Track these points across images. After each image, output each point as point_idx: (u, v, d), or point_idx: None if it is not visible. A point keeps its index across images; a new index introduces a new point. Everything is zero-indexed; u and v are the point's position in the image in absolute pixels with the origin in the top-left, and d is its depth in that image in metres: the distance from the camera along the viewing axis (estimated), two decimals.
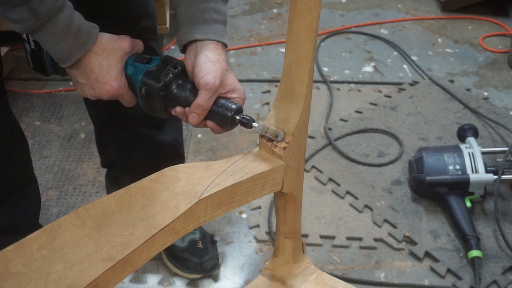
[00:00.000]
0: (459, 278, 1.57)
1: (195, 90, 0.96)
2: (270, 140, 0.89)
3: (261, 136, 0.91)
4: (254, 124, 0.92)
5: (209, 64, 0.96)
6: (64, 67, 0.99)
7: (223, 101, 0.95)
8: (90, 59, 0.96)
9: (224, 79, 0.97)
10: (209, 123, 0.97)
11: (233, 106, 0.94)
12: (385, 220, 1.72)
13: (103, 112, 1.42)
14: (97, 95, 1.00)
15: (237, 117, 0.94)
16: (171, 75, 0.97)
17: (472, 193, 1.71)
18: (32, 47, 1.04)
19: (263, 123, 0.90)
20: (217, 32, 0.99)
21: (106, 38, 0.98)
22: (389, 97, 2.20)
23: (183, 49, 1.02)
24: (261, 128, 0.90)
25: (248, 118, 0.94)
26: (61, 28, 0.92)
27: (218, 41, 0.99)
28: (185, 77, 0.99)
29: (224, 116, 0.94)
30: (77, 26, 0.93)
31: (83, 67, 0.97)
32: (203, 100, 0.95)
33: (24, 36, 1.03)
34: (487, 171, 1.71)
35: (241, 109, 0.96)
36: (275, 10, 2.74)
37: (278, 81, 0.95)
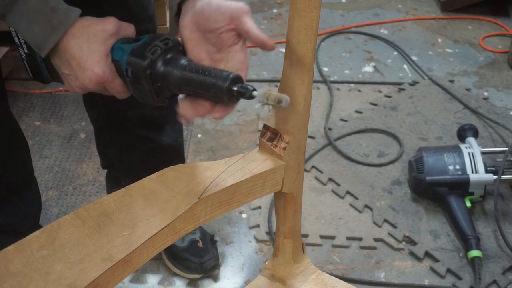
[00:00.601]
0: (459, 278, 1.57)
1: (191, 66, 0.83)
2: (270, 139, 0.89)
3: (261, 135, 0.90)
4: (254, 92, 0.79)
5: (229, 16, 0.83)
6: (45, 57, 0.89)
7: (217, 71, 0.81)
8: (68, 43, 0.87)
9: (246, 23, 0.84)
10: (201, 103, 0.83)
11: (230, 75, 0.79)
12: (385, 220, 1.72)
13: (103, 114, 1.41)
14: (82, 84, 0.89)
15: (235, 88, 0.79)
16: (159, 51, 0.85)
17: (472, 193, 1.71)
18: (26, 51, 0.97)
19: (264, 90, 0.78)
20: None
21: (87, 21, 0.88)
22: (389, 97, 2.20)
23: (178, 10, 0.89)
24: (262, 96, 0.78)
25: (248, 87, 0.79)
26: (32, 7, 0.84)
27: None
28: (177, 52, 0.86)
29: (219, 88, 0.79)
30: (50, 5, 0.85)
31: (63, 53, 0.88)
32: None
33: (17, 41, 0.97)
34: (487, 171, 1.71)
35: (240, 78, 0.81)
36: (275, 10, 2.74)
37: (278, 81, 0.93)
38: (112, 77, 0.87)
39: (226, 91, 0.79)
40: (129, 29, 0.91)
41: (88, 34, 0.87)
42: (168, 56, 0.85)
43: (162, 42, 0.85)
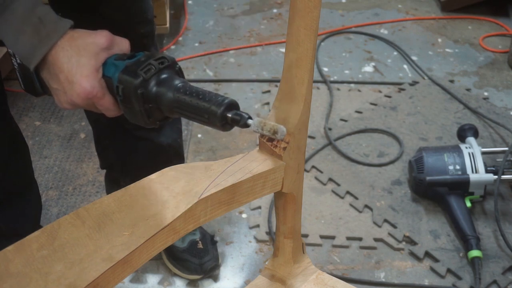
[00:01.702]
0: (459, 278, 1.57)
1: (185, 88, 0.80)
2: (270, 139, 0.89)
3: (261, 135, 0.90)
4: (249, 121, 0.77)
5: None
6: (33, 70, 0.85)
7: (211, 95, 0.78)
8: (57, 56, 0.82)
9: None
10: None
11: (225, 101, 0.77)
12: (385, 220, 1.72)
13: (102, 116, 1.41)
14: (70, 100, 0.84)
15: (229, 115, 0.77)
16: (153, 70, 0.81)
17: (472, 193, 1.71)
18: (18, 61, 0.92)
19: (259, 119, 0.77)
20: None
21: (78, 33, 0.83)
22: (389, 97, 2.20)
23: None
24: (257, 125, 0.76)
25: (242, 114, 0.77)
26: (19, 17, 0.80)
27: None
28: (173, 73, 0.83)
29: (212, 113, 0.77)
30: (39, 15, 0.81)
31: (51, 66, 0.83)
32: None
33: (10, 50, 0.92)
34: (487, 171, 1.71)
35: (235, 105, 0.78)
36: (275, 10, 2.74)
37: (278, 81, 0.93)
38: (102, 94, 0.83)
39: (220, 117, 0.77)
40: (123, 44, 0.87)
41: (78, 47, 0.82)
42: (163, 76, 0.81)
43: (157, 61, 0.81)
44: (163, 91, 0.80)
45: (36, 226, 1.43)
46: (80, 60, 0.82)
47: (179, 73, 0.84)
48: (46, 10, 0.82)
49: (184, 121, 2.05)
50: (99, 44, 0.83)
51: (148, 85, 0.80)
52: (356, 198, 1.79)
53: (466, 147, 1.76)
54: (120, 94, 0.82)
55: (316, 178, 1.86)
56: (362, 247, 1.66)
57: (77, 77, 0.81)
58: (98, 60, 0.83)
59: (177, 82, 0.81)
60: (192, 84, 0.82)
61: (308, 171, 1.88)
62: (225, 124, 0.78)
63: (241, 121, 0.77)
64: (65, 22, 0.83)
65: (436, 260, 1.62)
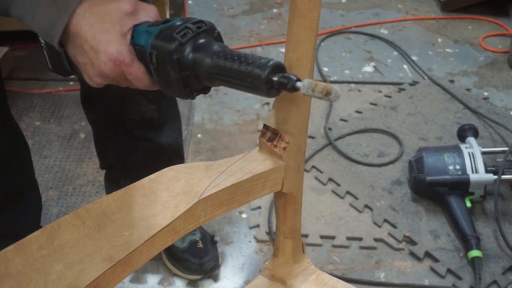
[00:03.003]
0: (459, 278, 1.57)
1: (225, 53, 0.73)
2: (270, 139, 0.89)
3: (262, 135, 0.90)
4: (298, 83, 0.69)
5: None
6: (57, 45, 0.79)
7: (254, 57, 0.72)
8: (79, 25, 0.76)
9: None
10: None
11: (270, 63, 0.70)
12: (385, 220, 1.72)
13: (101, 115, 1.41)
14: (98, 71, 0.78)
15: (275, 78, 0.70)
16: (190, 34, 0.74)
17: (472, 193, 1.71)
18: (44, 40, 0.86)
19: (310, 80, 0.68)
20: None
21: (99, 0, 0.77)
22: (389, 97, 2.20)
23: None
24: (307, 86, 0.67)
25: (290, 76, 0.70)
26: None
27: None
28: (211, 37, 0.76)
29: (256, 76, 0.70)
30: None
31: (75, 38, 0.77)
32: None
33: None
34: (487, 171, 1.71)
35: (281, 67, 0.72)
36: (275, 10, 2.74)
37: None
38: (130, 60, 0.76)
39: (265, 81, 0.70)
40: (149, 10, 0.80)
41: (100, 13, 0.76)
42: (200, 41, 0.74)
43: (195, 25, 0.74)
44: (201, 56, 0.73)
45: (36, 226, 1.43)
46: (104, 26, 0.76)
47: (218, 38, 0.78)
48: None
49: (184, 121, 2.05)
50: (123, 9, 0.77)
51: (184, 50, 0.74)
52: (356, 198, 1.79)
53: (466, 147, 1.76)
54: (153, 62, 0.75)
55: (316, 178, 1.86)
56: (362, 247, 1.66)
57: (102, 43, 0.75)
58: (124, 25, 0.77)
59: (216, 47, 0.74)
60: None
61: (308, 171, 1.88)
62: (270, 88, 0.71)
63: (289, 84, 0.69)
64: None
65: (436, 260, 1.62)
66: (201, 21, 0.75)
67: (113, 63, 0.76)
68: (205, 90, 0.78)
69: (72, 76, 0.90)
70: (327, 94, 0.65)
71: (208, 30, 0.76)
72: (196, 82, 0.76)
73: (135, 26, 0.78)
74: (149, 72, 0.77)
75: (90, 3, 0.76)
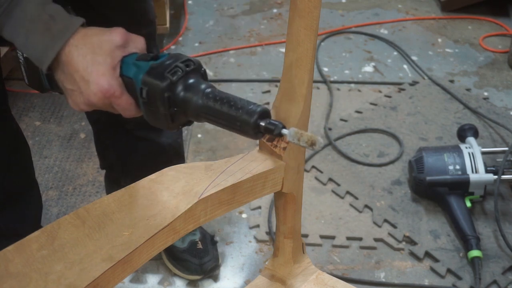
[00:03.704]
0: (459, 278, 1.57)
1: (214, 94, 0.77)
2: (270, 139, 0.89)
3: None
4: (284, 130, 0.74)
5: None
6: (45, 70, 0.81)
7: (243, 102, 0.76)
8: (71, 55, 0.79)
9: None
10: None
11: (258, 109, 0.75)
12: (385, 220, 1.72)
13: (102, 116, 1.41)
14: (87, 100, 0.80)
15: (262, 123, 0.75)
16: (180, 73, 0.77)
17: (472, 193, 1.71)
18: (24, 55, 0.88)
19: (295, 129, 0.72)
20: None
21: (91, 31, 0.80)
22: (389, 97, 2.20)
23: None
24: (293, 135, 0.72)
25: (276, 123, 0.75)
26: (29, 15, 0.78)
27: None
28: (199, 76, 0.80)
29: (245, 122, 0.75)
30: (49, 12, 0.78)
31: (66, 66, 0.80)
32: None
33: (19, 51, 0.89)
34: (487, 171, 1.71)
35: (267, 113, 0.76)
36: (275, 10, 2.74)
37: (278, 81, 0.93)
38: (120, 92, 0.80)
39: (253, 126, 0.75)
40: (138, 42, 0.84)
41: (93, 44, 0.79)
42: (190, 80, 0.78)
43: (184, 64, 0.78)
44: (191, 96, 0.77)
45: (37, 226, 1.43)
46: (96, 58, 0.78)
47: (204, 76, 0.81)
48: (56, 7, 0.79)
49: None
50: (114, 41, 0.80)
51: (175, 88, 0.77)
52: (356, 198, 1.79)
53: (466, 147, 1.76)
54: (143, 97, 0.78)
55: (316, 178, 1.86)
56: (362, 247, 1.66)
57: (93, 75, 0.78)
58: (114, 58, 0.80)
59: (204, 87, 0.78)
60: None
61: (308, 171, 1.88)
62: (257, 132, 0.76)
63: (275, 131, 0.75)
64: (77, 19, 0.80)
65: (436, 260, 1.62)
66: (189, 60, 0.79)
67: (103, 95, 0.79)
68: (190, 123, 0.83)
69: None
70: (311, 145, 0.70)
71: (196, 69, 0.79)
72: (183, 117, 0.80)
73: (124, 57, 0.81)
74: (136, 103, 0.81)
75: (83, 34, 0.79)
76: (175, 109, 0.78)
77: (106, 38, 0.79)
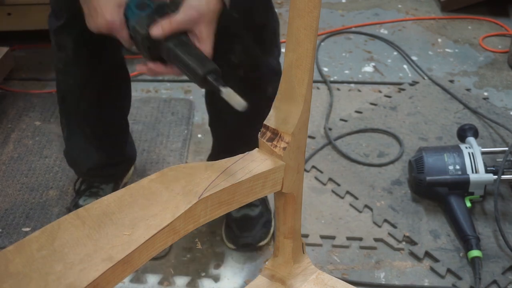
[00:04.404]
0: (459, 278, 1.57)
1: (182, 44, 0.98)
2: (270, 139, 0.89)
3: (261, 135, 0.90)
4: (222, 87, 0.89)
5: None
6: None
7: (200, 55, 0.96)
8: None
9: (201, 24, 0.99)
10: (174, 69, 1.00)
11: (210, 66, 0.93)
12: (385, 220, 1.72)
13: None
14: (95, 25, 1.03)
15: (209, 78, 0.92)
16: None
17: (472, 193, 1.71)
18: None
19: (230, 89, 0.88)
20: None
21: None
22: (389, 97, 2.20)
23: None
24: (226, 93, 0.88)
25: (219, 82, 0.91)
26: None
27: None
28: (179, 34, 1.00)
29: (194, 72, 0.94)
30: None
31: None
32: (175, 20, 0.97)
33: None
34: (487, 171, 1.71)
35: (217, 70, 0.93)
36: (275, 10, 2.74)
37: None
38: (119, 27, 1.02)
39: (201, 77, 0.93)
40: None
41: None
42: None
43: (162, 16, 0.98)
44: (165, 42, 0.98)
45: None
46: None
47: None
48: None
49: (184, 121, 2.05)
50: None
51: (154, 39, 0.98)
52: (356, 198, 1.80)
53: (466, 147, 1.76)
54: (133, 39, 1.02)
55: (316, 178, 1.86)
56: (362, 247, 1.66)
57: (102, 10, 1.00)
58: None
59: (180, 37, 0.99)
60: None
61: (308, 171, 1.88)
62: (204, 83, 0.93)
63: (216, 85, 0.91)
64: None
65: (436, 260, 1.62)
66: (172, 6, 0.99)
67: (106, 26, 1.01)
68: (165, 61, 1.03)
69: None
70: (237, 105, 0.87)
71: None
72: (159, 56, 1.02)
73: None
74: (131, 36, 1.03)
75: None
76: (154, 52, 1.00)
77: None
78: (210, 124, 1.62)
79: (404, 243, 1.67)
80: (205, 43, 1.00)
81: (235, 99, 0.87)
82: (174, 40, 0.98)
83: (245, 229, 1.61)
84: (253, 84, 1.30)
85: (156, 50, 1.00)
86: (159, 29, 0.97)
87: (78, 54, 1.37)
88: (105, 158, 1.61)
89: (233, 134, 1.49)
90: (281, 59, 0.91)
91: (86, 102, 1.48)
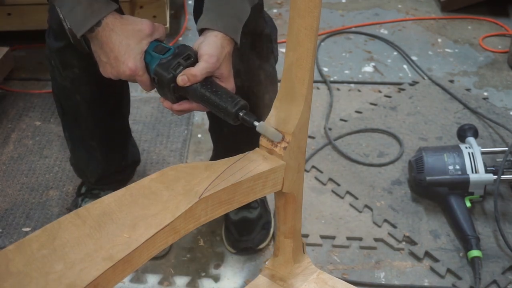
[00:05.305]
0: (459, 278, 1.57)
1: (207, 85, 1.01)
2: (270, 139, 0.89)
3: (262, 135, 0.91)
4: (255, 122, 0.92)
5: (213, 45, 1.03)
6: (80, 37, 1.06)
7: (230, 94, 0.99)
8: (110, 37, 1.03)
9: (222, 65, 1.03)
10: (199, 106, 1.04)
11: (240, 102, 0.97)
12: (385, 220, 1.72)
13: None
14: (116, 73, 1.06)
15: (241, 114, 0.96)
16: (182, 68, 1.02)
17: (472, 193, 1.71)
18: (68, 26, 1.10)
19: (264, 123, 0.90)
20: (227, 26, 1.05)
21: (127, 19, 1.05)
22: (389, 97, 2.20)
23: (200, 34, 1.09)
24: (261, 127, 0.90)
25: (251, 116, 0.96)
26: None
27: (227, 35, 1.05)
28: None
29: (228, 110, 0.97)
30: None
31: (104, 45, 1.04)
32: (199, 70, 1.01)
33: (61, 15, 1.10)
34: (487, 171, 1.71)
35: (246, 106, 0.97)
36: (275, 10, 2.74)
37: (279, 81, 0.95)
38: (142, 73, 1.05)
39: (233, 115, 0.96)
40: (161, 30, 1.09)
41: (128, 32, 1.04)
42: None
43: (184, 59, 1.03)
44: (191, 85, 1.02)
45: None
46: (129, 44, 1.04)
47: None
48: None
49: (184, 121, 2.05)
50: (144, 31, 1.05)
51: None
52: (356, 198, 1.80)
53: (466, 147, 1.76)
54: (156, 83, 1.05)
55: (316, 178, 1.86)
56: (362, 247, 1.66)
57: (125, 57, 1.03)
58: (142, 45, 1.05)
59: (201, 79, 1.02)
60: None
61: (308, 171, 1.88)
62: (236, 120, 0.97)
63: (250, 121, 0.94)
64: (112, 4, 1.05)
65: (436, 260, 1.62)
66: (189, 54, 1.03)
67: (130, 73, 1.05)
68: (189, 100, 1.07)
69: None
70: (273, 137, 0.89)
71: (195, 61, 1.03)
72: (184, 98, 1.06)
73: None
74: (152, 80, 1.06)
75: (120, 22, 1.04)
76: (180, 94, 1.04)
77: (139, 28, 1.05)
78: (210, 129, 1.62)
79: (404, 243, 1.67)
80: (227, 81, 1.05)
81: (270, 132, 0.89)
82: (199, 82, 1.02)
83: (244, 232, 1.60)
84: (250, 92, 1.29)
85: (181, 93, 1.03)
86: (185, 80, 1.01)
87: (87, 71, 1.35)
88: (112, 167, 1.60)
89: (231, 142, 1.48)
90: (281, 60, 0.94)
91: (91, 117, 1.46)
